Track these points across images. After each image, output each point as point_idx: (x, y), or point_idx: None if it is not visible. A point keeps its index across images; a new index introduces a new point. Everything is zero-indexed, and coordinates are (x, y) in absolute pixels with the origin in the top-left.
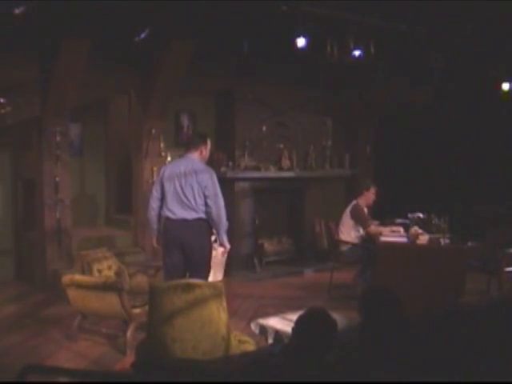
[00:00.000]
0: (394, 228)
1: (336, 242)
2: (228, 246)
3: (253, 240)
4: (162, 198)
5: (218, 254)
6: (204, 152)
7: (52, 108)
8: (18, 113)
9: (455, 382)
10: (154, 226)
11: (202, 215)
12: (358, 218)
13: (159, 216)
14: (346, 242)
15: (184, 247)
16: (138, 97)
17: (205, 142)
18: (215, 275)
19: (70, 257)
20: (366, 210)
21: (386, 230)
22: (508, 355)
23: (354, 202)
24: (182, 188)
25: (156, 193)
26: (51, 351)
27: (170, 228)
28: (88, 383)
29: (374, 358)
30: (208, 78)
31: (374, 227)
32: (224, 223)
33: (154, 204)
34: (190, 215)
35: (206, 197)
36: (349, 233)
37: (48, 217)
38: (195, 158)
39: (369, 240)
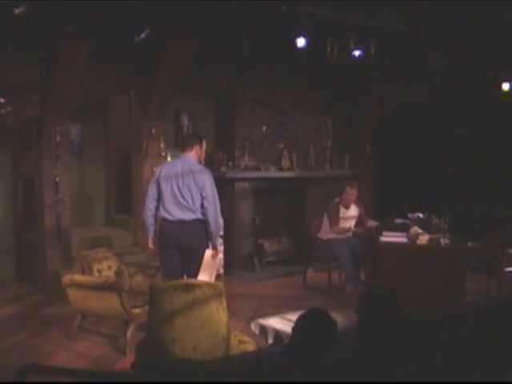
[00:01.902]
0: (371, 223)
1: (311, 238)
2: (219, 248)
3: (253, 240)
4: (159, 199)
5: (208, 256)
6: (199, 152)
7: (52, 108)
8: (17, 113)
9: (455, 382)
10: (151, 227)
11: (200, 216)
12: (328, 215)
13: (155, 217)
14: (318, 239)
15: (183, 248)
16: (138, 97)
17: (200, 142)
18: (211, 277)
19: (70, 257)
20: (345, 209)
21: (339, 229)
22: (508, 355)
23: (335, 200)
24: (179, 189)
25: (152, 193)
26: (51, 351)
27: (168, 229)
28: (88, 383)
29: (374, 357)
30: (208, 77)
31: (336, 227)
32: (219, 225)
33: (151, 205)
34: (187, 216)
35: (203, 198)
36: (325, 229)
37: (48, 217)
38: (191, 158)
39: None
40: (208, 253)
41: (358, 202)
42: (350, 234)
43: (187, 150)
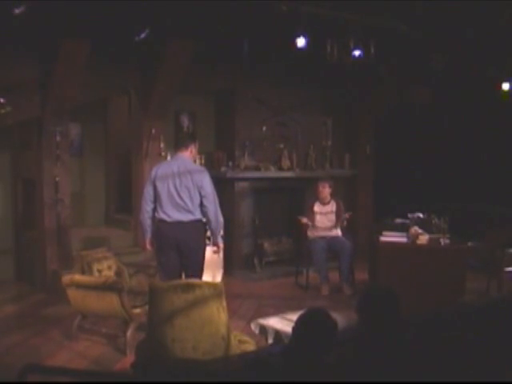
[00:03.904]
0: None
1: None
2: (221, 245)
3: (253, 240)
4: (155, 200)
5: (209, 253)
6: (193, 151)
7: (52, 108)
8: (18, 113)
9: (455, 382)
10: (148, 228)
11: (198, 216)
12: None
13: (153, 218)
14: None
15: (180, 248)
16: (138, 97)
17: (194, 142)
18: (215, 276)
19: (70, 257)
20: (322, 205)
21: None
22: (508, 355)
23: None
24: (176, 189)
25: (148, 195)
26: (51, 351)
27: (165, 230)
28: (88, 383)
29: (374, 358)
30: (208, 77)
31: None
32: (220, 222)
33: (148, 207)
34: (185, 217)
35: (202, 196)
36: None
37: (48, 217)
38: (186, 158)
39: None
40: (209, 250)
41: (336, 198)
42: (336, 233)
43: (182, 150)
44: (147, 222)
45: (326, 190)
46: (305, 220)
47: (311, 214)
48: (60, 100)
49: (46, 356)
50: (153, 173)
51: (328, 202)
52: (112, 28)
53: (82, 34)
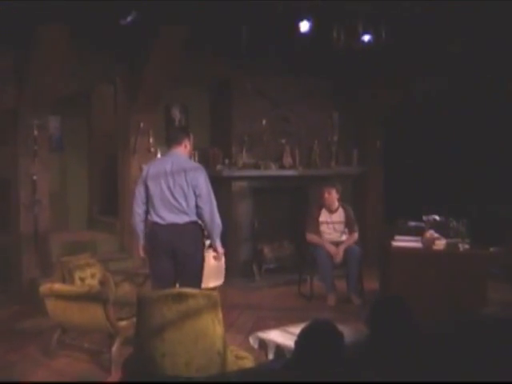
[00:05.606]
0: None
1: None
2: (221, 250)
3: (251, 245)
4: (147, 202)
5: (210, 259)
6: (188, 146)
7: (29, 99)
8: None
9: None
10: (141, 233)
11: (195, 218)
12: (306, 219)
13: (145, 221)
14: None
15: (175, 253)
16: (124, 87)
17: (187, 136)
18: (215, 282)
19: (49, 264)
20: (328, 213)
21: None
22: None
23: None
24: (170, 189)
25: (140, 196)
26: (27, 369)
27: (159, 233)
28: None
29: (384, 374)
30: (202, 66)
31: (310, 235)
32: (217, 225)
33: (139, 209)
34: (181, 219)
35: (197, 196)
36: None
37: (24, 219)
38: (181, 154)
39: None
40: (209, 256)
41: (344, 204)
42: (342, 237)
43: (175, 146)
44: (139, 226)
45: (332, 197)
46: (317, 239)
47: (314, 224)
48: (38, 90)
49: (22, 375)
50: (144, 172)
51: (336, 210)
52: (94, 11)
53: (61, 17)
